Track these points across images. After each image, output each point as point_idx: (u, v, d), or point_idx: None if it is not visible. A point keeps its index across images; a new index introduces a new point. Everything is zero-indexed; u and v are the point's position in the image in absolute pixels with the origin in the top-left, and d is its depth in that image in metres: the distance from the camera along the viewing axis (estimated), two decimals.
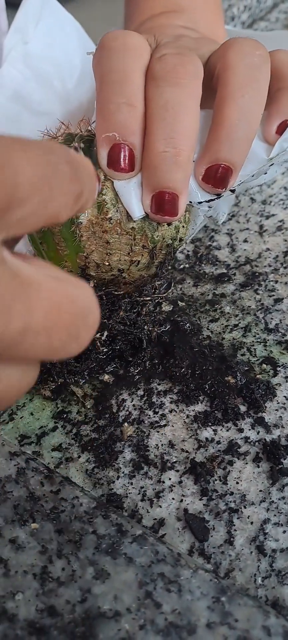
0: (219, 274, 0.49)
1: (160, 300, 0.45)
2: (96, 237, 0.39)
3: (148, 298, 0.44)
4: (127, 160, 0.38)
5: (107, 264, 0.40)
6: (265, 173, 0.43)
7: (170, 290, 0.47)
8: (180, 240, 0.42)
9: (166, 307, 0.45)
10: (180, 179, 0.38)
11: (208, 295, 0.47)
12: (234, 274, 0.49)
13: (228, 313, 0.46)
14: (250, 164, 0.41)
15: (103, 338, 0.40)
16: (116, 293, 0.41)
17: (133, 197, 0.38)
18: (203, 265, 0.50)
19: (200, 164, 0.39)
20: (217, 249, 0.51)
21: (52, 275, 0.24)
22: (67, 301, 0.24)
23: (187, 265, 0.50)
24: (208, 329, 0.45)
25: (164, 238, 0.40)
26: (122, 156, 0.38)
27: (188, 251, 0.51)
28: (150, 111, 0.38)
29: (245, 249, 0.51)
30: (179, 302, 0.46)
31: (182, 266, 0.50)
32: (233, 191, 0.42)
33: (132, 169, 0.38)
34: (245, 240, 0.52)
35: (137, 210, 0.38)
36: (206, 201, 0.41)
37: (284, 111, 0.41)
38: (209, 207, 0.42)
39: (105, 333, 0.40)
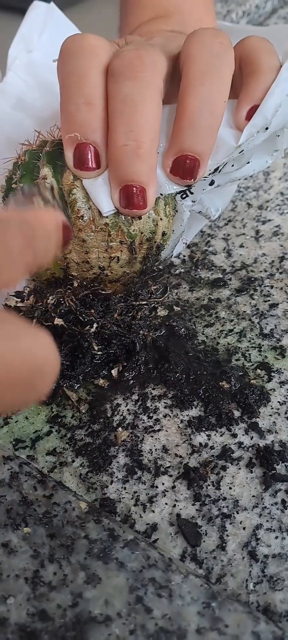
0: (215, 279, 0.49)
1: (156, 305, 0.45)
2: (72, 237, 0.40)
3: (144, 302, 0.44)
4: (91, 159, 0.38)
5: (86, 262, 0.40)
6: (248, 162, 0.43)
7: (166, 295, 0.47)
8: (164, 234, 0.42)
9: (162, 312, 0.45)
10: (143, 170, 0.38)
11: (203, 300, 0.47)
12: (230, 279, 0.49)
13: (224, 318, 0.46)
14: (220, 152, 0.41)
15: (92, 330, 0.40)
16: (104, 292, 0.42)
17: (101, 193, 0.39)
18: (199, 270, 0.50)
19: (167, 157, 0.40)
20: (213, 254, 0.52)
21: (4, 335, 0.24)
22: (19, 359, 0.24)
23: (182, 270, 0.50)
24: (203, 334, 0.45)
25: (143, 232, 0.40)
26: (86, 155, 0.38)
27: (184, 256, 0.52)
28: (110, 107, 0.39)
29: (241, 254, 0.51)
30: (175, 306, 0.47)
31: (177, 271, 0.50)
32: (211, 183, 0.42)
33: (98, 166, 0.39)
34: (241, 245, 0.52)
35: (106, 205, 0.39)
36: (177, 192, 0.41)
37: (253, 96, 0.41)
38: (193, 201, 0.42)
39: (95, 325, 0.40)
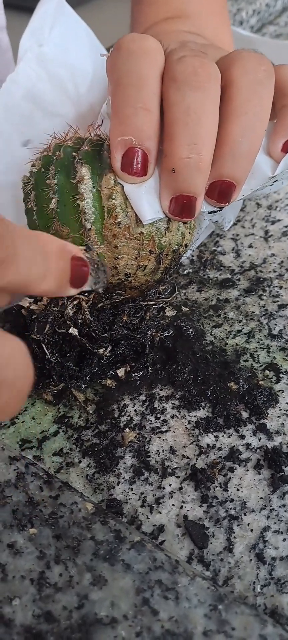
0: (223, 279, 0.49)
1: (164, 305, 0.45)
2: (105, 242, 0.39)
3: (152, 302, 0.44)
4: (140, 165, 0.38)
5: (114, 267, 0.40)
6: (272, 185, 0.43)
7: (174, 295, 0.47)
8: (186, 246, 0.42)
9: (170, 312, 0.45)
10: (200, 183, 0.39)
11: (212, 300, 0.47)
12: (238, 280, 0.49)
13: (232, 319, 0.46)
14: (254, 179, 0.41)
15: (106, 353, 0.40)
16: (121, 298, 0.41)
17: (144, 201, 0.39)
18: (207, 270, 0.50)
19: None
20: (221, 254, 0.51)
21: None
22: None
23: (191, 271, 0.50)
24: (211, 334, 0.44)
25: (171, 244, 0.40)
26: (136, 160, 0.38)
27: (192, 256, 0.51)
28: (171, 115, 0.38)
29: (250, 255, 0.51)
30: (183, 307, 0.46)
31: (186, 271, 0.50)
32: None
33: (145, 173, 0.39)
34: (250, 246, 0.52)
35: (148, 213, 0.39)
36: (209, 212, 0.41)
37: None
38: (214, 212, 0.42)
39: (109, 348, 0.40)
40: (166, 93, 0.39)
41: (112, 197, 0.39)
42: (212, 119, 0.38)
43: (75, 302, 0.39)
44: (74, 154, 0.40)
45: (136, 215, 0.39)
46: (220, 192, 0.40)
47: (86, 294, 0.40)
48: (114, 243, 0.39)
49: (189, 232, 0.42)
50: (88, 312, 0.39)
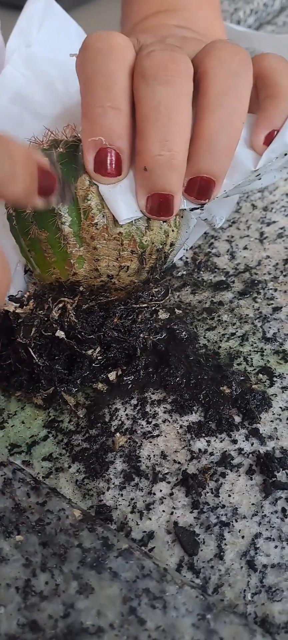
0: (218, 281, 0.48)
1: (157, 308, 0.45)
2: (84, 244, 0.39)
3: (145, 305, 0.43)
4: (114, 165, 0.38)
5: (95, 269, 0.39)
6: (260, 179, 0.43)
7: (167, 298, 0.46)
8: (172, 245, 0.41)
9: (163, 315, 0.44)
10: (175, 181, 0.38)
11: (206, 303, 0.47)
12: (233, 282, 0.48)
13: (226, 321, 0.45)
14: (236, 173, 0.40)
15: (95, 354, 0.40)
16: (107, 300, 0.41)
17: (119, 201, 0.38)
18: (201, 272, 0.49)
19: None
20: (216, 256, 0.51)
21: None
22: None
23: (185, 273, 0.49)
24: (205, 337, 0.44)
25: (154, 243, 0.40)
26: (108, 160, 0.38)
27: (187, 258, 0.51)
28: (141, 112, 0.38)
29: (244, 256, 0.50)
30: (176, 309, 0.46)
31: (180, 273, 0.49)
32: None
33: (119, 173, 0.38)
34: (245, 248, 0.51)
35: (124, 213, 0.38)
36: (190, 209, 0.40)
37: (272, 122, 0.40)
38: (201, 209, 0.41)
39: (98, 349, 0.40)
40: (136, 90, 0.38)
41: (87, 198, 0.38)
42: (184, 114, 0.38)
43: (61, 305, 0.39)
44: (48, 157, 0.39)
45: (114, 215, 0.38)
46: (200, 188, 0.39)
47: (71, 296, 0.39)
48: (92, 245, 0.39)
49: (173, 230, 0.41)
50: (73, 314, 0.39)
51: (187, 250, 0.50)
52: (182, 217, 0.42)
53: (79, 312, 0.39)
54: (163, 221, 0.40)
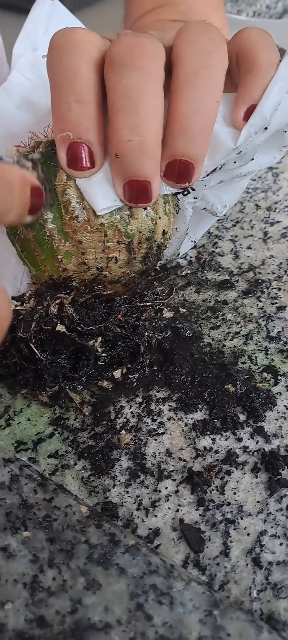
0: (222, 280, 0.49)
1: (162, 307, 0.45)
2: (68, 239, 0.39)
3: (149, 303, 0.43)
4: (85, 158, 0.38)
5: (83, 263, 0.39)
6: (253, 159, 0.42)
7: (171, 297, 0.46)
8: (164, 233, 0.41)
9: (167, 314, 0.45)
10: (149, 165, 0.38)
11: (210, 302, 0.47)
12: (237, 281, 0.48)
13: (230, 320, 0.45)
14: (217, 153, 0.40)
15: (97, 344, 0.40)
16: (105, 293, 0.41)
17: (96, 192, 0.38)
18: (205, 271, 0.50)
19: (161, 161, 0.39)
20: (220, 255, 0.51)
21: None
22: None
23: (189, 272, 0.50)
24: (209, 336, 0.44)
25: (141, 232, 0.40)
26: (79, 154, 0.38)
27: (191, 257, 0.51)
28: (110, 99, 0.38)
29: (248, 256, 0.51)
30: (181, 308, 0.46)
31: (184, 272, 0.50)
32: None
33: (93, 165, 0.38)
34: (249, 247, 0.51)
35: (101, 203, 0.38)
36: (173, 194, 0.40)
37: (251, 96, 0.39)
38: (195, 198, 0.41)
39: (99, 340, 0.40)
40: (106, 79, 0.38)
41: (65, 193, 0.39)
42: (154, 98, 0.38)
43: (58, 301, 0.39)
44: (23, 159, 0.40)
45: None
46: (179, 172, 0.39)
47: (66, 292, 0.40)
48: (76, 238, 0.39)
49: (160, 217, 0.41)
50: (71, 308, 0.39)
51: (194, 242, 0.50)
52: (176, 205, 0.42)
53: (77, 306, 0.40)
54: (144, 208, 0.39)
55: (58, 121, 0.38)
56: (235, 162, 0.41)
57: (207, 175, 0.41)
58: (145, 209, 0.39)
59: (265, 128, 0.40)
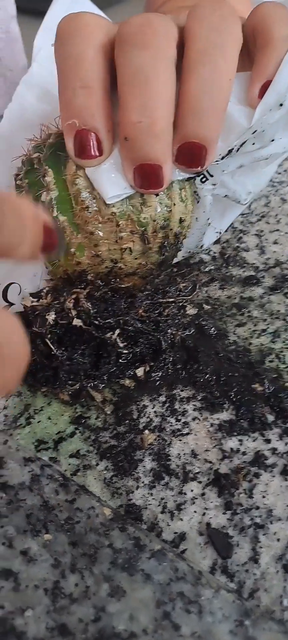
0: (247, 276, 0.47)
1: (185, 303, 0.44)
2: (80, 230, 0.38)
3: (172, 300, 0.42)
4: (92, 146, 0.37)
5: (96, 256, 0.38)
6: (273, 140, 0.40)
7: (195, 293, 0.45)
8: (182, 221, 0.40)
9: (190, 311, 0.43)
10: (159, 148, 0.36)
11: (235, 298, 0.45)
12: (263, 277, 0.47)
13: (256, 317, 0.44)
14: (232, 133, 0.38)
15: (114, 336, 0.38)
16: (122, 286, 0.40)
17: (104, 180, 0.37)
18: (230, 267, 0.48)
19: (172, 145, 0.37)
20: (245, 251, 0.49)
21: None
22: None
23: (213, 268, 0.48)
24: (234, 333, 0.43)
25: (155, 220, 0.38)
26: (86, 143, 0.37)
27: (214, 253, 0.49)
28: (120, 80, 0.36)
29: (275, 251, 0.49)
30: (204, 305, 0.45)
31: (208, 268, 0.48)
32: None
33: (101, 153, 0.37)
34: (275, 242, 0.50)
35: (110, 191, 0.37)
36: (186, 179, 0.39)
37: (265, 71, 0.38)
38: (213, 184, 0.40)
39: (117, 332, 0.39)
40: (116, 61, 0.37)
41: (75, 183, 0.38)
42: (164, 78, 0.36)
43: (73, 297, 0.38)
44: (41, 149, 0.39)
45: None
46: (190, 155, 0.37)
47: (82, 286, 0.39)
48: (88, 230, 0.38)
49: (175, 204, 0.39)
50: (85, 302, 0.38)
51: (220, 233, 0.49)
52: (195, 193, 0.41)
53: (93, 301, 0.39)
54: (156, 195, 0.38)
55: (64, 109, 0.37)
56: (253, 144, 0.39)
57: (222, 158, 0.39)
58: (157, 195, 0.38)
59: (281, 105, 0.38)
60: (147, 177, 0.37)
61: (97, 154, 0.37)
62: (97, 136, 0.37)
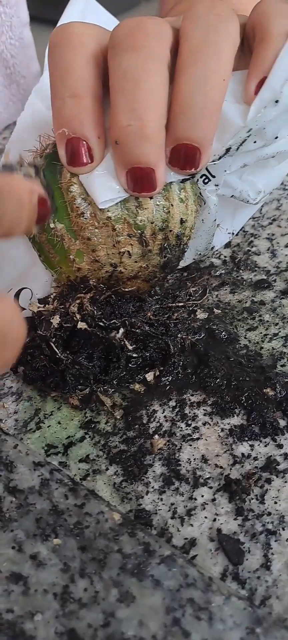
0: (258, 280, 0.47)
1: (195, 308, 0.43)
2: (78, 237, 0.38)
3: (182, 304, 0.42)
4: (83, 154, 0.37)
5: (95, 261, 0.38)
6: (277, 137, 0.39)
7: (205, 297, 0.45)
8: (183, 222, 0.39)
9: (201, 315, 0.43)
10: (150, 151, 0.36)
11: (246, 302, 0.45)
12: (274, 281, 0.46)
13: (268, 321, 0.43)
14: (226, 133, 0.38)
15: (119, 335, 0.38)
16: (126, 290, 0.39)
17: (97, 185, 0.37)
18: (241, 271, 0.48)
19: (165, 147, 0.37)
20: (256, 255, 0.49)
21: None
22: None
23: (223, 272, 0.48)
24: (245, 338, 0.42)
25: (153, 222, 0.38)
26: (77, 150, 0.37)
27: (225, 256, 0.49)
28: (111, 84, 0.36)
29: (286, 255, 0.49)
30: (215, 309, 0.44)
31: (218, 272, 0.48)
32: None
33: (92, 160, 0.37)
34: (287, 245, 0.50)
35: (102, 195, 0.37)
36: (180, 181, 0.38)
37: (262, 67, 0.36)
38: (216, 185, 0.39)
39: (121, 330, 0.38)
40: (108, 66, 0.37)
41: (70, 190, 0.38)
42: (155, 79, 0.35)
43: (78, 302, 0.38)
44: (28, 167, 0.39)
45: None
46: (183, 157, 0.37)
47: (85, 291, 0.39)
48: (85, 236, 0.38)
49: (174, 205, 0.38)
50: (89, 305, 0.38)
51: (232, 234, 0.48)
52: (201, 196, 0.40)
53: (98, 304, 0.38)
54: (150, 197, 0.38)
55: (55, 118, 0.37)
56: (254, 142, 0.39)
57: (220, 158, 0.39)
58: (151, 198, 0.38)
59: (276, 101, 0.37)
60: (139, 181, 0.36)
61: (88, 160, 0.37)
62: (87, 144, 0.37)
